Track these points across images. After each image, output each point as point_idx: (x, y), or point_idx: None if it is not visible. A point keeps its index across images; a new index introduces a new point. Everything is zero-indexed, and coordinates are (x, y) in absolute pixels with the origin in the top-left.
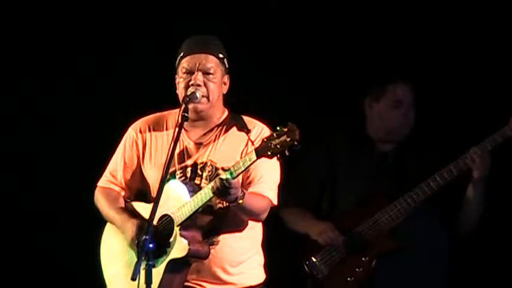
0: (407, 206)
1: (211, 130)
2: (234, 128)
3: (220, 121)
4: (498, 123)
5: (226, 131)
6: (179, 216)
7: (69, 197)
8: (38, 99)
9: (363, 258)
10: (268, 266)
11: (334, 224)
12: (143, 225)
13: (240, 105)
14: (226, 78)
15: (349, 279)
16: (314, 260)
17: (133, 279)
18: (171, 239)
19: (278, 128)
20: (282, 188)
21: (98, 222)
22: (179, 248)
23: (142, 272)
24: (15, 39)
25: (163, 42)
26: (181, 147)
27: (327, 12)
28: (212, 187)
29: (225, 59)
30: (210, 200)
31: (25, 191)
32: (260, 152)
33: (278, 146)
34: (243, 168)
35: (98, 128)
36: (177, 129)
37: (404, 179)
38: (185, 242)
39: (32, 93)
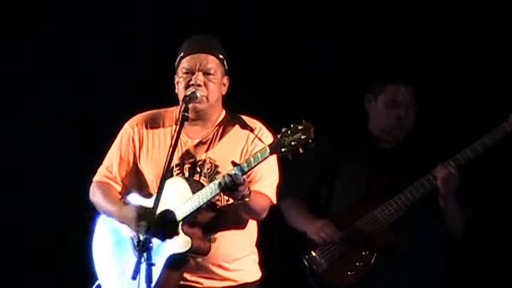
0: (407, 201)
1: (210, 129)
2: (235, 127)
3: (218, 121)
4: (498, 122)
5: (226, 129)
6: (181, 211)
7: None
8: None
9: (363, 253)
10: (265, 263)
11: (333, 219)
12: (141, 210)
13: (239, 105)
14: (225, 80)
15: (349, 273)
16: (314, 254)
17: (133, 278)
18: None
19: (292, 125)
20: (282, 178)
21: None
22: (181, 243)
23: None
24: (14, 36)
25: (162, 43)
26: (180, 146)
27: (329, 10)
28: (220, 183)
29: (224, 60)
30: (215, 196)
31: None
32: (273, 149)
33: (292, 143)
34: (253, 164)
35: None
36: (177, 129)
37: (403, 177)
38: (187, 237)
39: (33, 92)
